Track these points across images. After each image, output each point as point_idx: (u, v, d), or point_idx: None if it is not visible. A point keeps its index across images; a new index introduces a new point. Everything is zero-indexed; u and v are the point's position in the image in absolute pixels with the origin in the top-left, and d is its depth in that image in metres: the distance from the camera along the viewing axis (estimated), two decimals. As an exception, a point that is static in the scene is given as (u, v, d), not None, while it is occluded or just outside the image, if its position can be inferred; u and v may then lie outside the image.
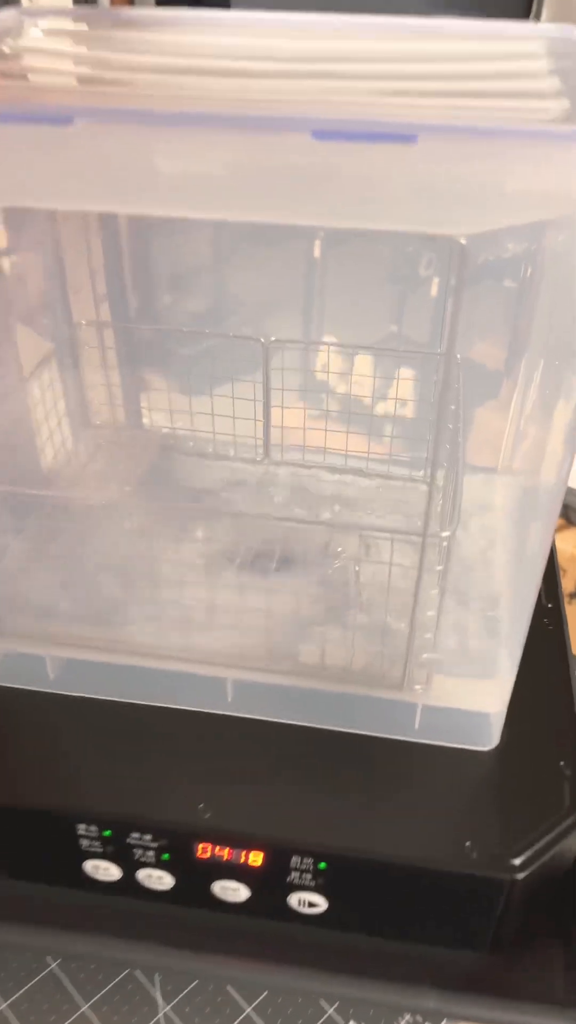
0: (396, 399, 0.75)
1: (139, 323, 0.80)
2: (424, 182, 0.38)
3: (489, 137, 0.38)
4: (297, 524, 0.54)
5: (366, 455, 0.79)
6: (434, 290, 1.00)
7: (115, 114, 0.39)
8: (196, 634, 0.61)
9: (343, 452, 0.79)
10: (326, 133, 0.37)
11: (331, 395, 0.80)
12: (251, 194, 0.39)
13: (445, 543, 0.53)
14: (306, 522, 0.54)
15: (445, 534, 0.52)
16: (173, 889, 0.61)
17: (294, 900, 0.59)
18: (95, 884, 0.62)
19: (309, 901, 0.59)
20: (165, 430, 0.81)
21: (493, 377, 0.97)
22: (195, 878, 0.60)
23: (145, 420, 0.84)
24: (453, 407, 0.60)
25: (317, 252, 1.02)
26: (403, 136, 0.37)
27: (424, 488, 0.78)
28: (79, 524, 0.63)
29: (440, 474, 0.50)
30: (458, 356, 0.71)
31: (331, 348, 0.75)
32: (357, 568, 0.63)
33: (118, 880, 0.62)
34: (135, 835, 0.59)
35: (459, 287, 0.43)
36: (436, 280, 1.01)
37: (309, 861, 0.57)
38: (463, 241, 0.41)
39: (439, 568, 0.54)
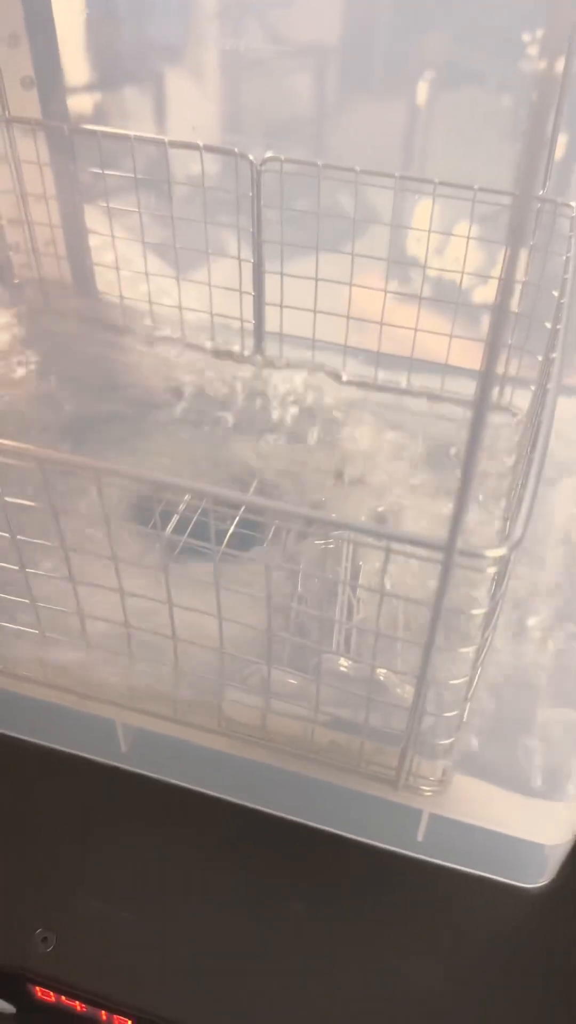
0: (462, 272, 0.46)
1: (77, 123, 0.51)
2: None
3: None
4: (253, 512, 0.28)
5: (408, 356, 0.50)
6: (560, 152, 0.71)
7: None
8: (69, 652, 0.36)
9: (372, 351, 0.51)
10: None
11: (355, 256, 0.52)
12: None
13: (495, 568, 0.26)
14: (255, 503, 0.28)
15: (495, 553, 0.25)
16: (16, 1018, 0.40)
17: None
18: None
19: None
20: (110, 299, 0.54)
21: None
22: (43, 1016, 0.38)
23: (100, 284, 0.57)
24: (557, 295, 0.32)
25: (422, 99, 0.73)
26: None
27: (497, 418, 0.49)
28: None
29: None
30: (574, 203, 0.42)
31: (357, 178, 0.46)
32: (343, 584, 0.37)
33: None
34: None
35: None
36: (563, 138, 0.72)
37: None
38: None
39: (476, 612, 0.27)
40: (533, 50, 0.61)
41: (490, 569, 0.26)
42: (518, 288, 0.45)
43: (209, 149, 0.45)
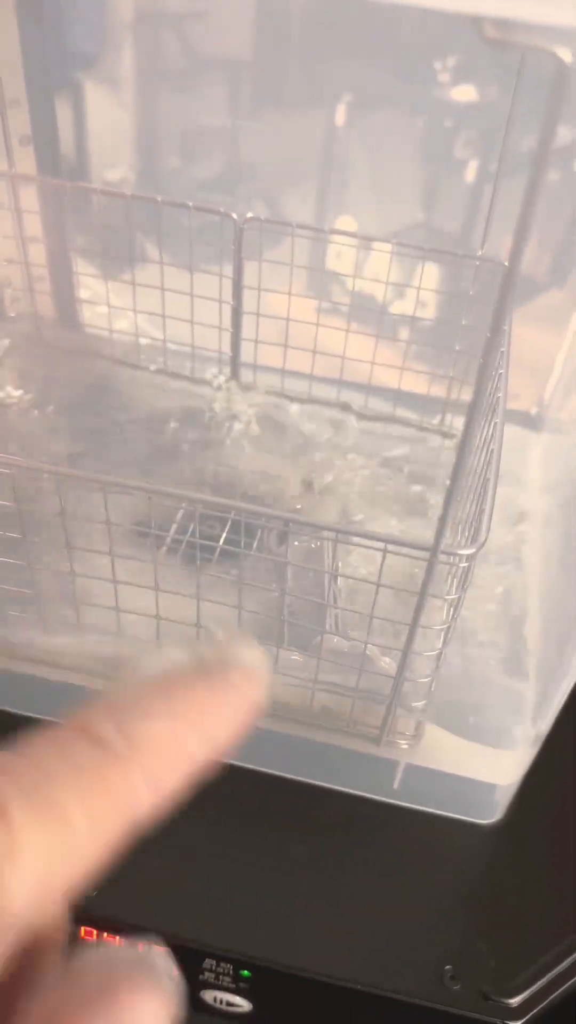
0: (415, 310, 0.55)
1: (76, 181, 0.58)
2: None
3: None
4: (248, 516, 0.35)
5: (366, 384, 0.59)
6: (471, 175, 0.80)
7: None
8: (92, 638, 0.43)
9: (335, 380, 0.59)
10: None
11: (326, 299, 0.60)
12: None
13: (465, 563, 0.34)
14: (259, 514, 0.36)
15: (466, 552, 0.33)
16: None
17: (209, 997, 0.44)
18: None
19: (228, 1001, 0.44)
20: (102, 333, 0.60)
21: (535, 288, 0.77)
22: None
23: (85, 317, 0.63)
24: (502, 348, 0.40)
25: (340, 119, 0.82)
26: None
27: (442, 442, 0.58)
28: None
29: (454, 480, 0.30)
30: (506, 263, 0.50)
31: (331, 237, 0.54)
32: (335, 577, 0.45)
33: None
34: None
35: (545, 137, 0.23)
36: (474, 163, 0.81)
37: (227, 966, 0.41)
38: (567, 58, 0.21)
39: (450, 597, 0.36)
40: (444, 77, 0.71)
41: (461, 564, 0.35)
42: (462, 329, 0.54)
43: (198, 208, 0.53)
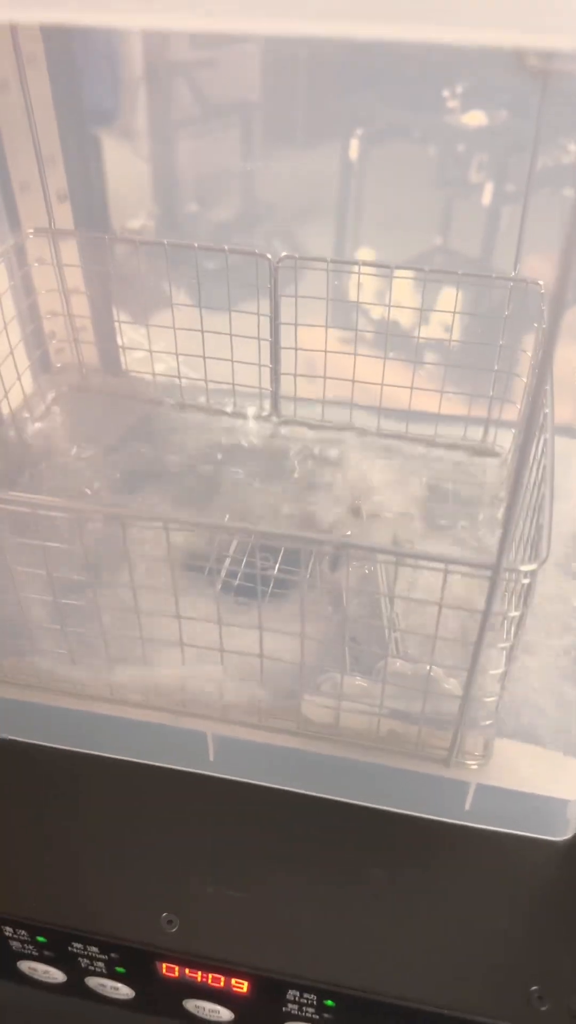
0: (449, 339, 0.55)
1: (112, 233, 0.60)
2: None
3: None
4: (302, 545, 0.36)
5: (406, 411, 0.60)
6: (487, 198, 0.81)
7: None
8: (160, 674, 0.44)
9: (375, 407, 0.60)
10: None
11: (358, 332, 0.61)
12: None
13: (526, 580, 0.34)
14: (318, 542, 0.36)
15: (528, 568, 0.34)
16: (135, 1000, 0.46)
17: (292, 1030, 0.44)
18: (37, 983, 0.48)
19: (312, 1034, 0.44)
20: (146, 377, 0.62)
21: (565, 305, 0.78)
22: (161, 993, 0.45)
23: (124, 363, 0.65)
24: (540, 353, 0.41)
25: (354, 153, 0.83)
26: None
27: (486, 461, 0.59)
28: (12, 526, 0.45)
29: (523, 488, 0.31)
30: (541, 282, 0.51)
31: (361, 269, 0.55)
32: (392, 611, 0.45)
33: (63, 983, 0.47)
34: (76, 945, 0.43)
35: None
36: (490, 186, 0.82)
37: (312, 997, 0.41)
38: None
39: (513, 615, 0.36)
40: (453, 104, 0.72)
41: (524, 580, 0.35)
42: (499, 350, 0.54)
43: (233, 251, 0.54)
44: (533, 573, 0.34)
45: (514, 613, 0.36)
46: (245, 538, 0.44)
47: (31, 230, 0.57)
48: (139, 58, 0.71)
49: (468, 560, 0.34)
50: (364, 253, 0.78)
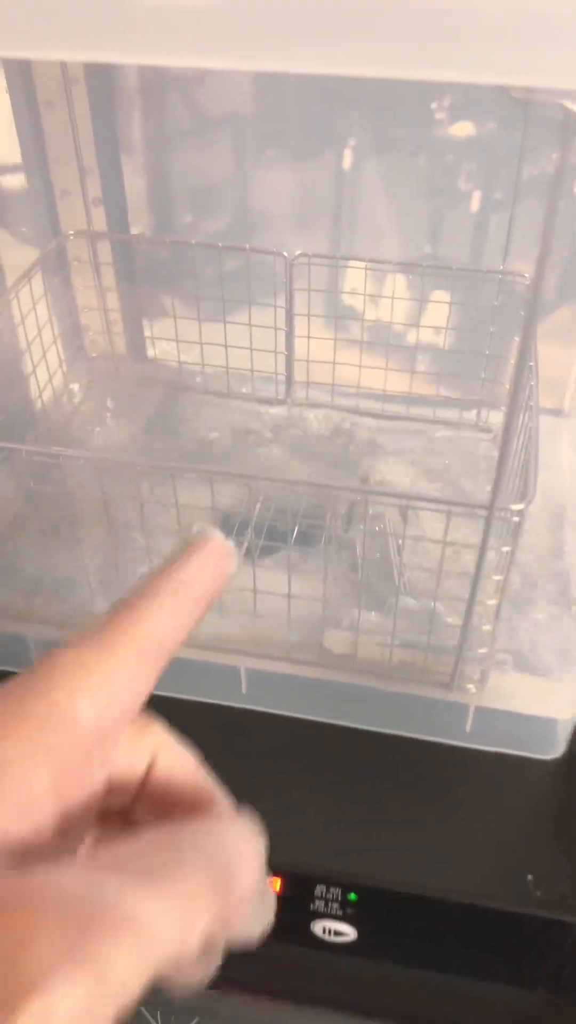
0: (445, 328, 0.62)
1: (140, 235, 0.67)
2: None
3: None
4: (323, 491, 0.43)
5: (407, 394, 0.66)
6: (475, 205, 0.87)
7: None
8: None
9: (380, 391, 0.66)
10: None
11: (364, 322, 0.68)
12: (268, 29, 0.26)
13: (516, 519, 0.41)
14: (335, 488, 0.43)
15: (517, 507, 0.40)
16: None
17: (318, 928, 0.50)
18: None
19: (336, 930, 0.50)
20: (171, 364, 0.69)
21: (547, 307, 0.84)
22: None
23: (150, 352, 0.71)
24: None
25: (347, 163, 0.89)
26: None
27: (479, 436, 0.66)
28: (66, 481, 0.51)
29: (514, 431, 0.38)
30: (526, 275, 0.58)
31: (367, 266, 0.62)
32: (400, 542, 0.52)
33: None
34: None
35: (560, 172, 0.30)
36: (478, 194, 0.89)
37: (336, 891, 0.48)
38: (573, 106, 0.29)
39: (505, 549, 0.43)
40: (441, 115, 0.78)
41: (514, 519, 0.42)
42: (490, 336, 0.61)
43: (254, 250, 0.61)
44: (522, 511, 0.41)
45: (506, 548, 0.42)
46: (273, 495, 0.51)
47: (72, 232, 0.63)
48: (134, 73, 0.75)
49: (468, 502, 0.40)
50: (351, 277, 0.83)
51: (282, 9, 0.25)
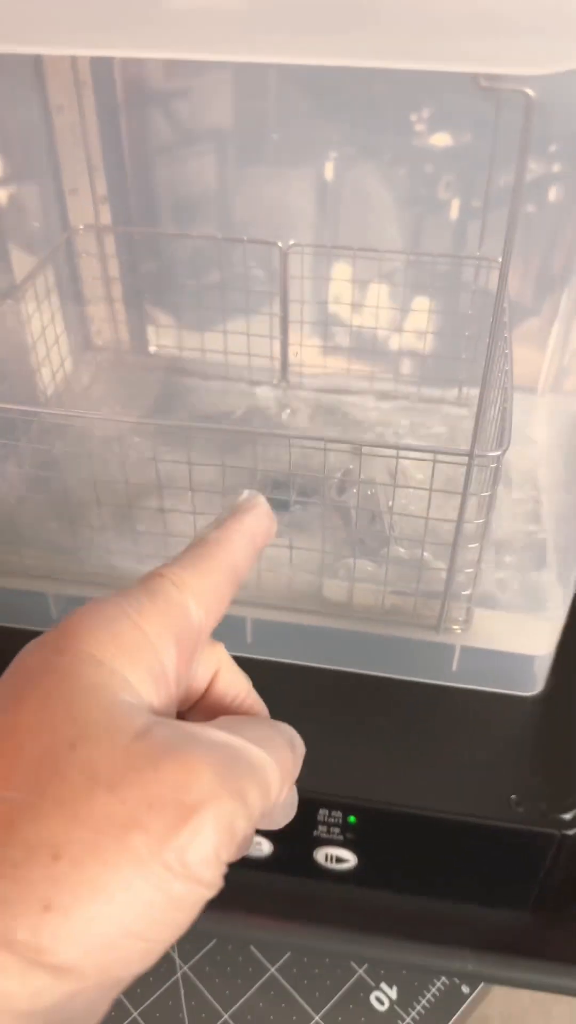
0: (428, 310, 0.68)
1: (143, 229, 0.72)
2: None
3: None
4: (321, 447, 0.47)
5: (393, 376, 0.72)
6: (454, 212, 0.93)
7: None
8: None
9: (368, 374, 0.72)
10: None
11: (355, 309, 0.73)
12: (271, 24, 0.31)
13: (494, 464, 0.46)
14: (334, 440, 0.48)
15: (495, 453, 0.45)
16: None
17: (320, 856, 0.54)
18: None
19: (337, 856, 0.54)
20: (173, 351, 0.73)
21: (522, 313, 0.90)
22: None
23: (151, 344, 0.76)
24: (505, 318, 0.53)
25: (329, 174, 0.94)
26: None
27: (461, 411, 0.71)
28: (79, 450, 0.56)
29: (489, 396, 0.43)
30: (499, 259, 0.63)
31: (356, 255, 0.68)
32: (391, 503, 0.57)
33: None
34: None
35: (523, 149, 0.36)
36: (456, 202, 0.94)
37: (338, 814, 0.52)
38: (531, 92, 0.34)
39: (485, 494, 0.48)
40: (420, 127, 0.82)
41: (492, 465, 0.47)
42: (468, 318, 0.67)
43: (251, 241, 0.66)
44: (499, 457, 0.46)
45: (486, 493, 0.47)
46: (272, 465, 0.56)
47: (81, 226, 0.68)
48: (119, 86, 0.77)
49: (451, 449, 0.45)
50: (339, 268, 0.88)
51: (255, 6, 0.30)
